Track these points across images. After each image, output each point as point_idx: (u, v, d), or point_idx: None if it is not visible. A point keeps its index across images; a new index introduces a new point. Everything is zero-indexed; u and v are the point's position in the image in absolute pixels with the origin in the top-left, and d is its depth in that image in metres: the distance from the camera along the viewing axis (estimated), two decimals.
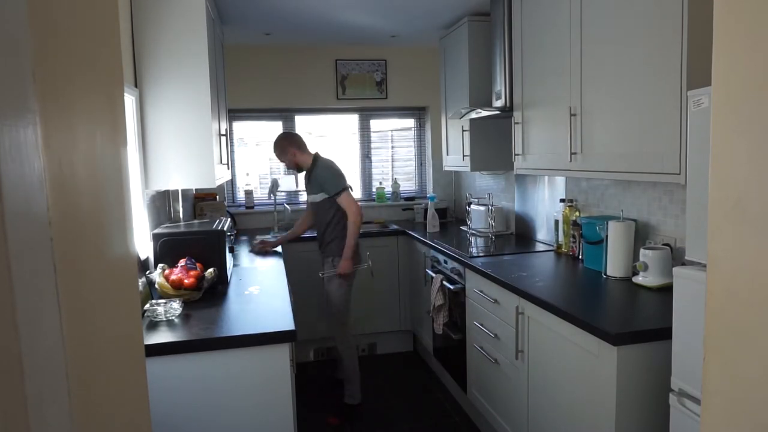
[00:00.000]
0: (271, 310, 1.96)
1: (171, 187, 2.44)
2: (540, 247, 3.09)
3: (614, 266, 2.26)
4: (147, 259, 2.26)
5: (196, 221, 2.68)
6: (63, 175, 0.57)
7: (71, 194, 0.60)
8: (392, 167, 4.65)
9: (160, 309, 1.66)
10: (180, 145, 2.38)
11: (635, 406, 1.67)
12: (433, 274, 3.23)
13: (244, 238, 3.87)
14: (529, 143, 2.72)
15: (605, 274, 2.30)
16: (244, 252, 3.26)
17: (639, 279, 2.13)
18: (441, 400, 3.24)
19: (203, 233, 2.29)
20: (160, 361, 1.60)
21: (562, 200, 2.91)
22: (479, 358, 2.68)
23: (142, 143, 2.36)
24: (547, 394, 2.06)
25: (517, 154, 2.80)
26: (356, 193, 4.52)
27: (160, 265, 2.16)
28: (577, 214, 2.76)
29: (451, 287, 2.94)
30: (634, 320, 1.82)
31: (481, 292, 2.60)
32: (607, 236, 2.28)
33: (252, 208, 4.17)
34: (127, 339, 0.86)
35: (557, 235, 2.92)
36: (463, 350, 2.90)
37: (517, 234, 3.52)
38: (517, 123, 2.79)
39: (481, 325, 2.62)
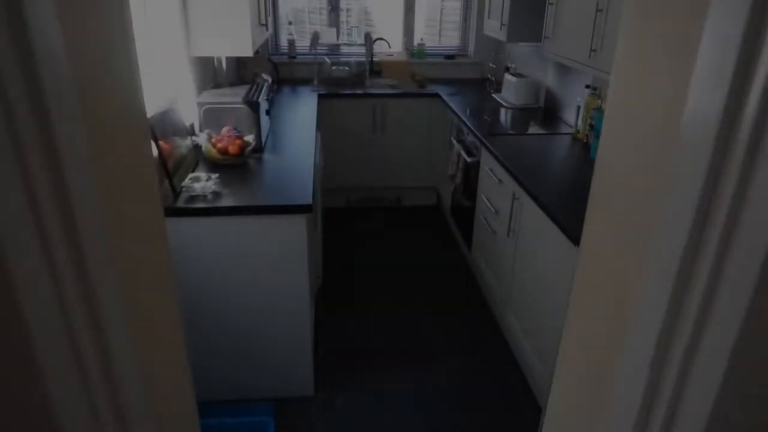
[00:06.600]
0: (295, 180, 2.27)
1: (210, 54, 2.64)
2: (562, 127, 3.20)
3: None
4: (192, 125, 2.58)
5: (238, 88, 2.90)
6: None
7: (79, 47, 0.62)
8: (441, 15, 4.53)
9: (198, 185, 2.01)
10: (216, 10, 2.51)
11: None
12: (455, 143, 3.44)
13: (287, 88, 4.09)
14: (559, 28, 2.68)
15: None
16: (283, 111, 3.50)
17: None
18: (452, 254, 3.68)
19: (239, 104, 2.55)
20: (190, 222, 2.00)
21: (587, 86, 2.93)
22: (483, 226, 3.02)
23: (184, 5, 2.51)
24: (528, 270, 2.41)
25: (546, 37, 2.78)
26: (396, 46, 4.52)
27: (207, 131, 2.48)
28: (600, 102, 2.81)
29: (468, 160, 3.17)
30: None
31: (491, 170, 2.83)
32: None
33: (294, 58, 4.30)
34: (143, 200, 0.86)
35: (577, 120, 3.00)
36: (472, 216, 3.24)
37: (546, 108, 3.59)
38: (551, 3, 2.72)
39: (488, 199, 2.90)
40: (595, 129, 2.63)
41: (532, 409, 2.36)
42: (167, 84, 2.32)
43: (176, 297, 1.02)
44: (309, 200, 2.08)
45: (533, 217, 2.29)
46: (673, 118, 0.72)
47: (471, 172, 3.22)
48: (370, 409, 2.35)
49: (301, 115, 3.35)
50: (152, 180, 0.91)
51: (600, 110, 2.72)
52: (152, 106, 2.10)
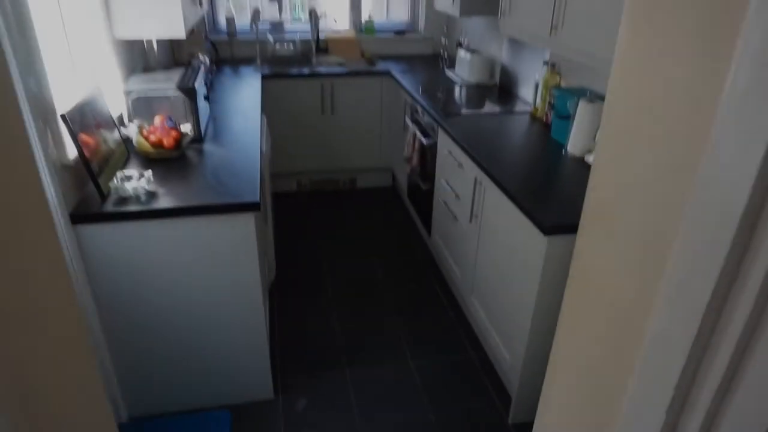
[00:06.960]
0: (240, 173, 2.06)
1: (137, 37, 2.36)
2: (519, 105, 3.10)
3: (576, 145, 2.33)
4: (120, 116, 2.31)
5: (171, 71, 2.63)
6: None
7: None
8: None
9: (129, 185, 1.78)
10: None
11: (555, 291, 1.88)
12: (410, 123, 3.29)
13: (228, 69, 3.81)
14: (517, 3, 2.55)
15: (566, 150, 2.38)
16: (224, 94, 3.24)
17: (590, 158, 2.22)
18: (410, 237, 3.56)
19: (173, 90, 2.30)
20: (123, 227, 1.78)
21: (545, 62, 2.83)
22: (443, 210, 2.91)
23: None
24: (491, 256, 2.31)
25: (503, 13, 2.65)
26: (343, 22, 4.29)
27: (136, 122, 2.22)
28: (558, 79, 2.72)
29: (424, 141, 3.03)
30: (575, 209, 1.96)
31: (450, 153, 2.70)
32: (574, 114, 2.31)
33: (234, 36, 4.00)
34: (22, 191, 0.76)
35: (536, 97, 2.91)
36: (430, 199, 3.12)
37: (501, 86, 3.48)
38: None
39: (447, 182, 2.78)
40: (555, 107, 2.54)
41: (502, 398, 2.30)
42: (88, 70, 2.05)
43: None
44: (256, 197, 1.89)
45: (498, 203, 2.19)
46: (700, 120, 0.59)
47: (428, 154, 3.09)
48: (334, 410, 2.23)
49: (245, 99, 3.11)
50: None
51: (559, 87, 2.63)
52: (70, 96, 1.83)
